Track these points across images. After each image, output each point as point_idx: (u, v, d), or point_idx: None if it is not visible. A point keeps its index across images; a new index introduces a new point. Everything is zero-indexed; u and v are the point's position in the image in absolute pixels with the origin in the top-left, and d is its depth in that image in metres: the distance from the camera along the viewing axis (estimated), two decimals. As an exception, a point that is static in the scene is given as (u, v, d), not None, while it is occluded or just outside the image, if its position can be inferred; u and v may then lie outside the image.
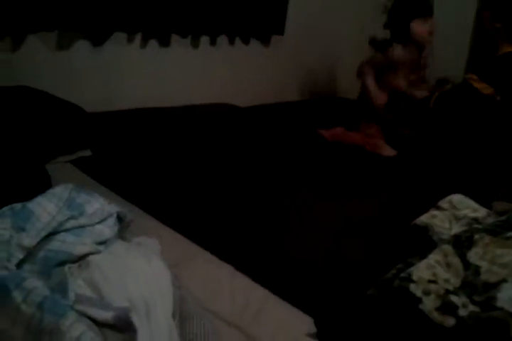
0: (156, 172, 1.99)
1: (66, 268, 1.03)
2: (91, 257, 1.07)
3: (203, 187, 1.90)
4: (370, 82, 2.65)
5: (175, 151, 2.20)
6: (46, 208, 1.09)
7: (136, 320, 0.94)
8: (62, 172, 1.84)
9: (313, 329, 1.21)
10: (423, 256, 1.28)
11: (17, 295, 0.89)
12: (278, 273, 1.42)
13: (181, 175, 1.97)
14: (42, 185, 1.40)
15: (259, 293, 1.33)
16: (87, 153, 2.05)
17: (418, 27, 2.54)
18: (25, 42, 2.29)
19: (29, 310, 0.88)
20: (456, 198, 1.62)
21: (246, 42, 3.15)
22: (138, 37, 2.65)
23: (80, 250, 1.07)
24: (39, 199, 1.11)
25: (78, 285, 1.00)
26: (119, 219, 1.26)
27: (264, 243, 1.56)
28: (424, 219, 1.51)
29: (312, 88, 3.60)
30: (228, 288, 1.33)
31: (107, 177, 1.89)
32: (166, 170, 2.01)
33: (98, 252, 1.10)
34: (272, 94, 3.26)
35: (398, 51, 2.59)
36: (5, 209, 1.06)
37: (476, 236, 1.29)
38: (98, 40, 2.51)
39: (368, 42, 2.74)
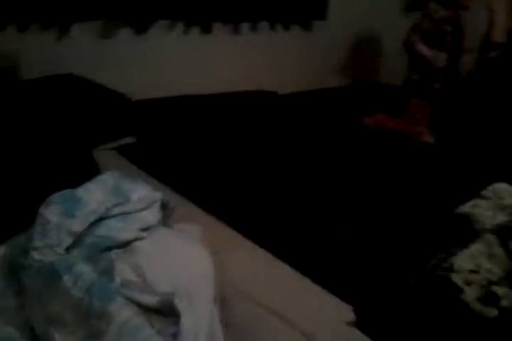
0: (198, 159, 2.02)
1: (112, 253, 1.07)
2: (136, 243, 1.11)
3: (245, 174, 1.91)
4: (423, 48, 2.61)
5: (216, 139, 2.22)
6: (94, 195, 1.12)
7: (180, 304, 0.97)
8: (107, 158, 1.89)
9: (354, 317, 1.21)
10: (465, 245, 1.27)
11: (67, 280, 0.93)
12: (318, 262, 1.43)
13: (223, 163, 2.00)
14: (90, 171, 1.44)
15: (298, 282, 1.35)
16: (132, 140, 2.09)
17: None
18: (71, 30, 2.34)
19: (79, 294, 0.92)
20: (500, 187, 1.59)
21: (287, 27, 3.13)
22: (180, 24, 2.67)
23: (125, 236, 1.11)
24: (87, 185, 1.14)
25: (124, 271, 1.04)
26: (163, 206, 1.28)
27: (306, 230, 1.57)
28: (466, 208, 1.49)
29: (354, 74, 3.55)
30: (269, 275, 1.35)
31: (151, 164, 1.92)
32: (208, 158, 2.04)
33: (143, 238, 1.13)
34: (313, 80, 3.23)
35: (439, 9, 2.58)
36: (55, 195, 1.10)
37: (521, 227, 1.27)
38: (141, 28, 2.54)
39: (406, 9, 2.69)
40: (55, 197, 1.09)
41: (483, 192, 1.55)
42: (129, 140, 2.11)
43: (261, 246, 1.49)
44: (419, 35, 2.61)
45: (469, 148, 2.37)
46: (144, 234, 1.14)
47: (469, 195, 1.55)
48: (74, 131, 1.84)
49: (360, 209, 1.71)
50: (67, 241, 1.03)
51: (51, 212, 1.05)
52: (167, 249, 1.13)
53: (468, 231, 1.39)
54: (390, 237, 1.54)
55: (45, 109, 1.90)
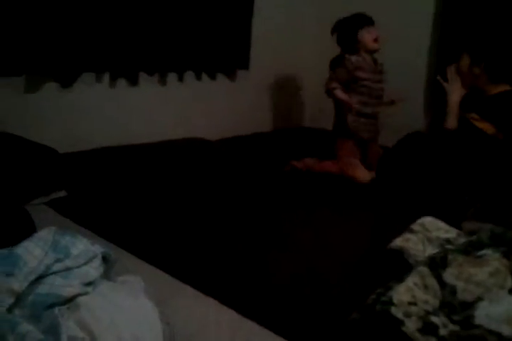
0: (131, 210, 2.01)
1: (56, 310, 1.04)
2: (80, 298, 1.09)
3: (180, 222, 1.92)
4: (341, 93, 2.75)
5: (149, 188, 2.23)
6: (33, 252, 1.10)
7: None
8: (39, 214, 1.84)
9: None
10: (401, 279, 1.33)
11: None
12: (262, 304, 1.44)
13: (157, 212, 2.00)
14: (26, 227, 1.40)
15: (245, 325, 1.35)
16: (62, 193, 2.06)
17: (364, 36, 2.77)
18: (-7, 86, 2.31)
19: (25, 355, 0.89)
20: (428, 220, 1.69)
21: (212, 77, 3.23)
22: (106, 76, 2.70)
23: (68, 292, 1.09)
24: (25, 243, 1.12)
25: (69, 327, 1.01)
26: (104, 259, 1.27)
27: (246, 274, 1.58)
28: (398, 242, 1.57)
29: (279, 119, 3.69)
30: (214, 322, 1.35)
31: (84, 217, 1.90)
32: (142, 208, 2.03)
33: (86, 293, 1.12)
34: (241, 127, 3.32)
35: (353, 59, 2.78)
36: (-8, 255, 1.07)
37: (450, 257, 1.35)
38: (66, 82, 2.54)
39: (329, 67, 2.88)
40: (-7, 256, 1.06)
41: (412, 226, 1.64)
42: (59, 194, 2.07)
43: (203, 292, 1.49)
44: (337, 82, 2.77)
45: (399, 184, 2.48)
46: (88, 288, 1.12)
47: (401, 230, 1.63)
48: (3, 187, 1.80)
49: (297, 249, 1.75)
50: (8, 300, 1.00)
51: (-11, 271, 1.01)
52: (112, 303, 1.11)
53: (402, 265, 1.46)
54: (329, 274, 1.58)
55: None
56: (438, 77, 2.76)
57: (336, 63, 2.86)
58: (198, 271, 1.60)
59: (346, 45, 2.84)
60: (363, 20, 2.79)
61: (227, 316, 1.37)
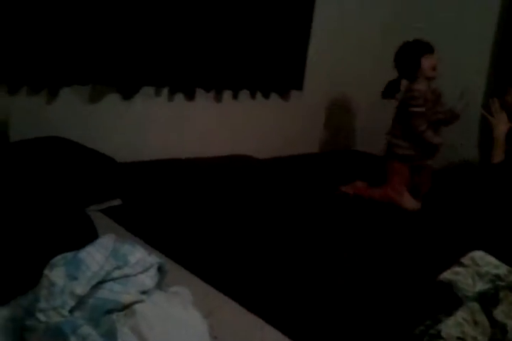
0: (182, 222, 2.05)
1: (114, 316, 1.08)
2: (136, 306, 1.12)
3: (227, 237, 1.95)
4: (434, 137, 2.74)
5: (199, 202, 2.27)
6: (95, 258, 1.15)
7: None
8: (94, 220, 1.90)
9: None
10: (449, 312, 1.32)
11: (73, 341, 0.94)
12: (308, 327, 1.45)
13: (206, 226, 2.03)
14: (89, 232, 1.46)
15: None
16: (117, 202, 2.12)
17: (424, 63, 2.74)
18: (59, 94, 2.41)
19: (85, 356, 0.93)
20: (478, 255, 1.67)
21: (266, 96, 3.28)
22: (165, 91, 2.78)
23: (126, 299, 1.13)
24: (88, 249, 1.17)
25: (125, 333, 1.05)
26: (158, 269, 1.31)
27: (292, 295, 1.59)
28: (447, 275, 1.55)
29: (330, 141, 3.70)
30: (258, 339, 1.37)
31: (135, 226, 1.95)
32: (191, 220, 2.07)
33: (142, 301, 1.15)
34: (290, 147, 3.36)
35: (420, 87, 2.74)
36: (58, 258, 1.12)
37: (501, 294, 1.33)
38: (128, 94, 2.63)
39: (381, 97, 2.87)
40: (59, 259, 1.11)
41: (462, 260, 1.62)
42: (114, 202, 2.14)
43: (248, 309, 1.51)
44: (425, 121, 2.73)
45: (452, 214, 2.46)
46: (144, 297, 1.16)
47: (451, 262, 1.61)
48: (63, 193, 1.87)
49: (346, 277, 1.75)
50: (71, 303, 1.05)
51: (56, 274, 1.06)
52: (165, 312, 1.14)
53: (451, 298, 1.45)
54: (378, 304, 1.57)
55: (33, 172, 1.92)
56: (482, 111, 2.74)
57: (393, 88, 2.84)
58: (244, 287, 1.62)
59: (406, 71, 2.82)
60: (424, 48, 2.76)
61: (273, 336, 1.38)
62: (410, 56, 2.78)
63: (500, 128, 2.63)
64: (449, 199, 2.70)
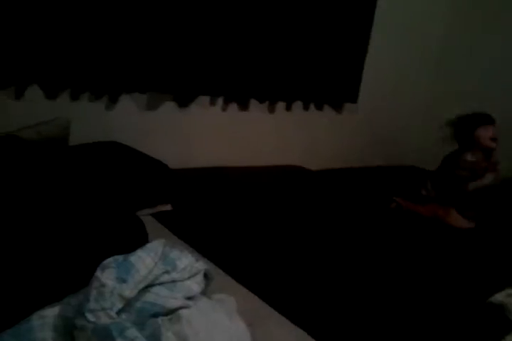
0: (230, 229, 2.07)
1: (160, 320, 1.10)
2: (181, 311, 1.14)
3: (276, 247, 1.95)
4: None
5: (248, 210, 2.28)
6: (145, 262, 1.17)
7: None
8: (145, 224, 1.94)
9: None
10: (500, 337, 1.28)
11: (121, 343, 0.96)
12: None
13: (254, 235, 2.04)
14: (140, 236, 1.50)
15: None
16: (168, 207, 2.16)
17: (481, 133, 2.76)
18: (119, 100, 2.49)
19: (131, 358, 0.95)
20: (533, 278, 1.61)
21: (320, 108, 3.28)
22: (220, 100, 2.83)
23: (172, 304, 1.15)
24: (139, 253, 1.20)
25: (169, 338, 1.06)
26: (205, 276, 1.33)
27: (337, 308, 1.58)
28: (500, 297, 1.50)
29: (383, 155, 3.66)
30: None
31: (184, 232, 1.98)
32: (240, 229, 2.08)
33: (187, 307, 1.17)
34: (342, 159, 3.35)
35: (469, 158, 2.79)
36: (110, 260, 1.15)
37: (556, 320, 1.28)
38: (184, 102, 2.69)
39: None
40: (110, 261, 1.14)
41: (516, 282, 1.57)
42: (165, 207, 2.18)
43: (291, 320, 1.50)
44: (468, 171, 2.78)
45: (505, 234, 2.40)
46: (190, 302, 1.18)
47: (504, 284, 1.56)
48: (116, 196, 1.92)
49: (391, 295, 1.72)
50: (118, 305, 1.07)
51: (107, 276, 1.09)
52: (210, 319, 1.16)
53: (502, 322, 1.40)
54: (423, 326, 1.54)
55: (88, 175, 1.98)
56: None
57: (451, 160, 2.87)
58: (290, 298, 1.62)
59: (463, 140, 2.83)
60: (482, 118, 2.79)
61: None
62: (466, 125, 2.81)
63: None
64: (505, 216, 2.63)
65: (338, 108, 3.37)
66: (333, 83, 3.19)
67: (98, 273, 1.10)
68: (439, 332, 1.51)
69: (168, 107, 2.64)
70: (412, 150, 3.78)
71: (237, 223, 2.13)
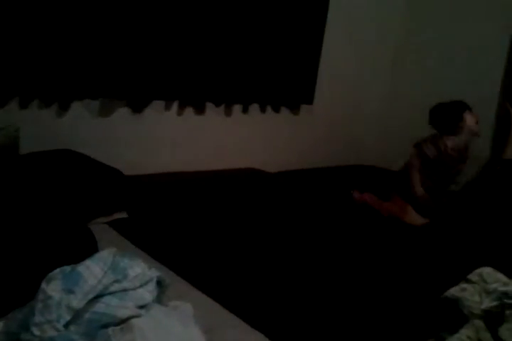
0: (188, 235, 2.05)
1: (110, 330, 1.07)
2: (133, 320, 1.11)
3: (234, 252, 1.94)
4: (415, 176, 2.81)
5: (206, 215, 2.26)
6: (93, 271, 1.14)
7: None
8: (100, 232, 1.90)
9: None
10: (454, 330, 1.29)
11: (66, 357, 0.93)
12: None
13: (212, 240, 2.02)
14: (88, 244, 1.46)
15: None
16: (124, 215, 2.13)
17: (468, 118, 2.83)
18: (70, 107, 2.44)
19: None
20: (486, 271, 1.63)
21: (276, 110, 3.28)
22: (175, 105, 2.80)
23: (123, 313, 1.12)
24: (87, 262, 1.16)
25: (120, 348, 1.04)
26: (158, 283, 1.30)
27: (295, 312, 1.57)
28: (454, 292, 1.52)
29: (340, 155, 3.69)
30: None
31: (141, 239, 1.95)
32: (198, 234, 2.06)
33: (139, 316, 1.14)
34: (300, 161, 3.36)
35: (450, 143, 2.82)
36: (56, 271, 1.12)
37: (507, 312, 1.30)
38: (138, 107, 2.66)
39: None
40: (57, 273, 1.11)
41: (470, 276, 1.59)
42: (121, 215, 2.14)
43: (250, 325, 1.49)
44: (419, 160, 2.83)
45: (458, 230, 2.44)
46: (141, 311, 1.15)
47: (457, 279, 1.58)
48: (70, 205, 1.88)
49: (347, 290, 1.72)
50: (66, 317, 1.04)
51: (53, 288, 1.06)
52: (163, 327, 1.13)
53: (456, 315, 1.42)
54: (380, 321, 1.55)
55: (42, 183, 1.94)
56: (507, 104, 2.74)
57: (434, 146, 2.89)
58: (249, 303, 1.61)
59: (448, 126, 2.86)
60: (465, 105, 2.85)
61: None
62: (453, 111, 2.84)
63: None
64: (460, 212, 2.68)
65: (294, 109, 3.39)
66: (288, 85, 3.20)
67: (43, 285, 1.07)
68: (397, 326, 1.52)
69: (122, 113, 2.60)
70: (369, 149, 3.83)
71: (193, 229, 2.11)
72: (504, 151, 2.69)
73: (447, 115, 2.86)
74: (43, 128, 2.35)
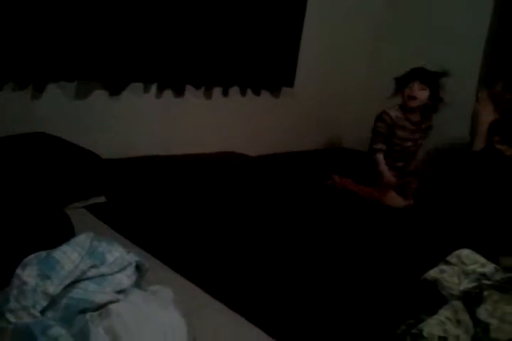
0: (167, 219, 2.03)
1: (87, 316, 1.06)
2: (111, 306, 1.10)
3: (214, 235, 1.93)
4: (383, 164, 2.82)
5: (185, 199, 2.25)
6: (70, 257, 1.12)
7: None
8: (77, 217, 1.87)
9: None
10: (433, 311, 1.30)
11: (42, 343, 0.91)
12: (287, 326, 1.43)
13: (193, 223, 2.01)
14: (65, 229, 1.44)
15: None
16: (102, 199, 2.10)
17: (405, 90, 2.81)
18: (45, 90, 2.38)
19: (54, 358, 0.90)
20: (464, 253, 1.65)
21: (257, 93, 3.26)
22: (153, 87, 2.75)
23: (101, 298, 1.10)
24: (64, 247, 1.14)
25: (98, 334, 1.03)
26: (137, 268, 1.29)
27: (274, 295, 1.57)
28: (433, 273, 1.54)
29: (321, 138, 3.69)
30: (239, 338, 1.35)
31: (120, 224, 1.93)
32: (177, 218, 2.05)
33: (117, 301, 1.13)
34: (281, 144, 3.35)
35: (393, 114, 2.83)
36: (31, 257, 1.09)
37: (485, 293, 1.32)
38: (115, 90, 2.60)
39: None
40: (32, 258, 1.09)
41: (448, 258, 1.61)
42: (99, 199, 2.11)
43: (230, 307, 1.49)
44: (383, 141, 2.82)
45: (436, 213, 2.46)
46: (119, 296, 1.14)
47: (436, 260, 1.60)
48: (46, 189, 1.84)
49: (326, 274, 1.73)
50: (43, 303, 1.02)
51: (28, 273, 1.04)
52: (142, 312, 1.12)
53: (435, 297, 1.43)
54: (360, 302, 1.56)
55: (17, 167, 1.90)
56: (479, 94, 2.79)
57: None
58: (229, 286, 1.60)
59: (394, 92, 2.88)
60: (414, 75, 2.78)
61: (256, 335, 1.36)
62: (400, 80, 2.84)
63: (484, 116, 2.68)
64: (438, 195, 2.71)
65: (275, 92, 3.36)
66: (269, 67, 3.17)
67: (19, 270, 1.05)
68: (376, 307, 1.53)
69: (99, 96, 2.55)
70: (350, 133, 3.83)
71: (173, 212, 2.09)
72: (473, 142, 2.71)
73: (396, 80, 2.85)
74: (17, 111, 2.30)
